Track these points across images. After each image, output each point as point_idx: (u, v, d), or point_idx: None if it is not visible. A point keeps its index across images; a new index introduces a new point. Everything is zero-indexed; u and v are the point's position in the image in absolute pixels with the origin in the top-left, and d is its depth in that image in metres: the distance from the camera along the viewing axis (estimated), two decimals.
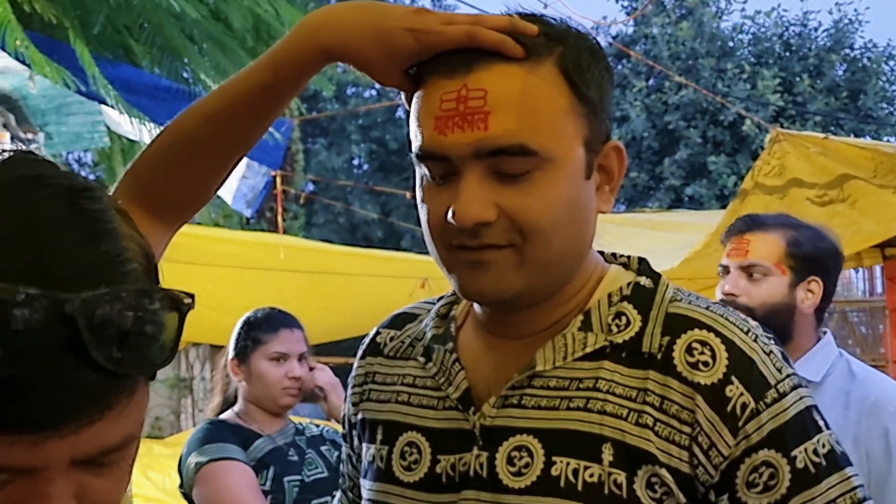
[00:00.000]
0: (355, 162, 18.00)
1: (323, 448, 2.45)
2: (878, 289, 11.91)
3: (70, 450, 0.60)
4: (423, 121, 0.89)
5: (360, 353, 1.13)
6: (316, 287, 6.15)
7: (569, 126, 0.89)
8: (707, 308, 0.93)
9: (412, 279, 6.05)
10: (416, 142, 0.91)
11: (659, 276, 0.97)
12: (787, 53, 16.74)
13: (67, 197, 0.62)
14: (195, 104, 1.03)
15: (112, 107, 3.92)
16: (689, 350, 0.89)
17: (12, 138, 3.93)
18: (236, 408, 2.44)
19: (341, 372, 1.95)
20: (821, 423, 0.90)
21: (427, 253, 0.96)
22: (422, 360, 1.03)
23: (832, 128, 14.42)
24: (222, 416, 2.44)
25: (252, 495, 2.19)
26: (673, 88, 15.59)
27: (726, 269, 2.06)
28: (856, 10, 22.56)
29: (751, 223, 2.09)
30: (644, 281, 0.96)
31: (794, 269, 2.00)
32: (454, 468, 0.94)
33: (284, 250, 5.64)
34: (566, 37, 0.90)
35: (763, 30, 17.03)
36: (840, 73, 16.54)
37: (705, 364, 0.88)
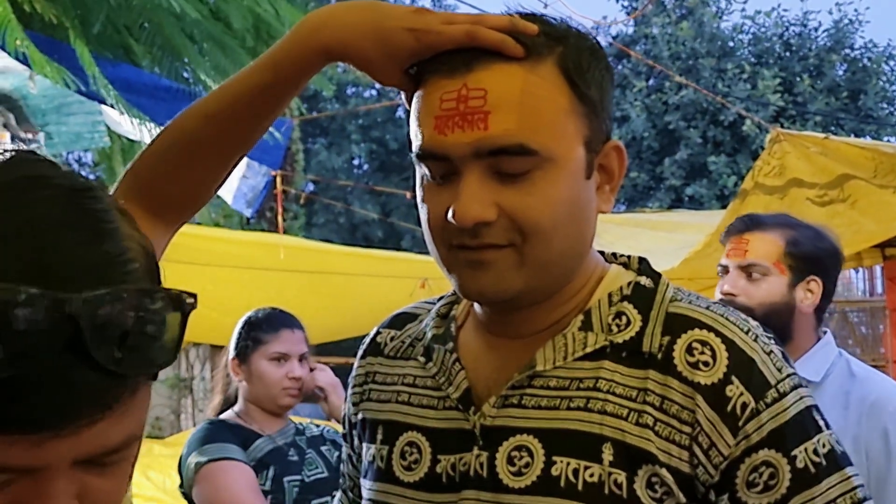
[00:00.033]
0: (355, 162, 18.00)
1: (323, 448, 2.45)
2: (879, 289, 11.92)
3: (71, 450, 0.60)
4: (423, 120, 0.90)
5: (360, 352, 1.13)
6: (316, 287, 6.15)
7: (569, 126, 0.89)
8: (707, 308, 0.93)
9: (412, 279, 6.05)
10: (416, 141, 0.91)
11: (659, 275, 0.97)
12: (788, 53, 16.74)
13: (69, 197, 0.62)
14: (195, 104, 1.03)
15: (112, 107, 3.92)
16: (690, 350, 0.89)
17: (12, 138, 3.93)
18: (236, 408, 2.44)
19: (341, 372, 1.95)
20: (821, 422, 0.90)
21: (427, 253, 0.96)
22: (422, 359, 1.03)
23: (832, 128, 14.42)
24: (222, 416, 2.44)
25: (252, 495, 2.19)
26: (673, 88, 15.60)
27: (725, 269, 2.06)
28: (856, 10, 22.59)
29: (750, 223, 2.09)
30: (644, 281, 0.96)
31: (793, 268, 2.00)
32: (454, 468, 0.94)
33: (284, 250, 5.64)
34: (566, 36, 0.90)
35: (763, 30, 17.03)
36: (840, 73, 16.54)
37: (705, 364, 0.88)
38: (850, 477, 0.89)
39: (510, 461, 0.91)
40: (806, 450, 0.87)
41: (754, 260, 2.01)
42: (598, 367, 0.91)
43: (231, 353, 2.45)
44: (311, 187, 16.43)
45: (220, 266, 5.54)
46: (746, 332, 0.90)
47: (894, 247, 4.94)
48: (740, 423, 0.86)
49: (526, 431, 0.91)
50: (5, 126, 3.97)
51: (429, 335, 1.03)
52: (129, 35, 4.59)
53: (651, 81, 16.26)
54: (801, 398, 0.89)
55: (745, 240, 2.04)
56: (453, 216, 0.87)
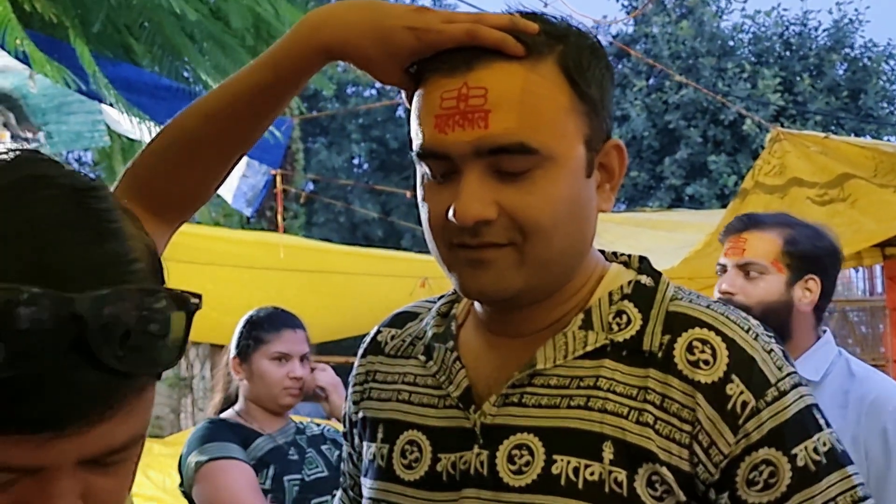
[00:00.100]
0: (355, 161, 18.00)
1: (323, 447, 2.45)
2: (879, 288, 11.92)
3: (76, 450, 0.60)
4: (423, 119, 0.90)
5: (360, 351, 1.13)
6: (316, 286, 6.14)
7: (569, 124, 0.89)
8: (708, 307, 0.93)
9: (412, 278, 6.05)
10: (416, 140, 0.91)
11: (660, 274, 0.97)
12: (788, 53, 16.73)
13: (73, 196, 0.62)
14: (195, 103, 1.03)
15: (112, 106, 3.93)
16: (690, 348, 0.89)
17: (12, 137, 3.93)
18: (237, 406, 2.44)
19: (342, 371, 1.95)
20: (821, 421, 0.90)
21: (427, 252, 0.96)
22: (422, 358, 1.03)
23: (832, 127, 14.42)
24: (223, 415, 2.44)
25: (252, 494, 2.19)
26: (673, 88, 15.59)
27: (724, 268, 2.06)
28: (856, 10, 22.60)
29: (748, 222, 2.09)
30: (645, 279, 0.96)
31: (791, 267, 2.00)
32: (455, 466, 0.94)
33: (284, 249, 5.64)
34: (567, 35, 0.90)
35: (763, 29, 17.03)
36: (840, 72, 16.54)
37: (706, 362, 0.88)
38: (850, 475, 0.89)
39: (510, 460, 0.91)
40: (806, 448, 0.87)
41: (752, 259, 2.01)
42: (599, 366, 0.91)
43: (232, 351, 2.45)
44: (311, 186, 16.42)
45: (220, 265, 5.54)
46: (747, 331, 0.90)
47: (894, 246, 4.94)
48: (740, 422, 0.86)
49: (526, 430, 0.91)
50: (5, 125, 3.97)
51: (429, 334, 1.03)
52: (129, 34, 4.59)
53: (651, 81, 16.25)
54: (801, 397, 0.89)
55: (742, 239, 2.05)
56: (454, 215, 0.87)
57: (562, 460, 0.89)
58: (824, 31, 16.86)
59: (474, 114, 0.86)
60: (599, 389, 0.90)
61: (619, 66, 16.00)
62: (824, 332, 2.06)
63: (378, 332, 1.12)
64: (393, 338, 1.09)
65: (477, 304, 1.00)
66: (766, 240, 2.02)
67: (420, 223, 0.95)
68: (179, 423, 10.99)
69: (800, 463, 0.86)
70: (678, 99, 15.48)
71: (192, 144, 1.01)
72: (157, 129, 1.08)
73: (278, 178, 6.19)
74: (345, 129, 16.96)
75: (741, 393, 0.87)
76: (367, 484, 1.03)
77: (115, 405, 0.60)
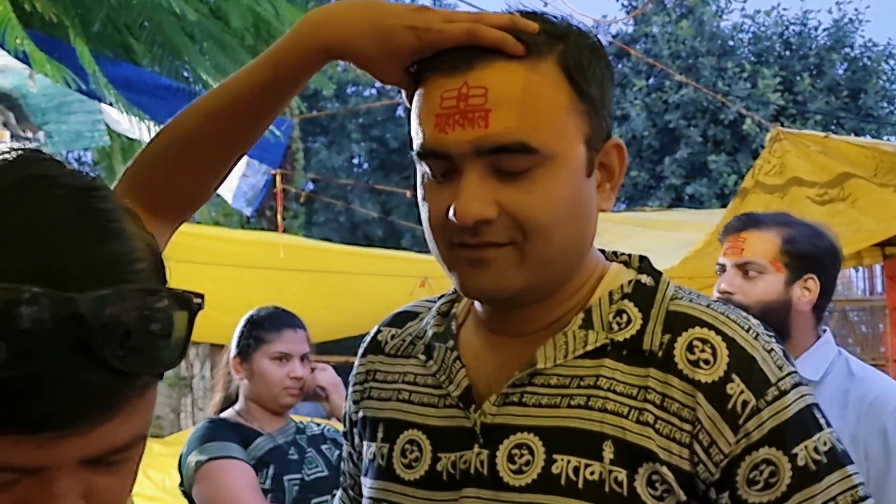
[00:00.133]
0: (355, 161, 18.00)
1: (323, 447, 2.45)
2: (879, 288, 11.92)
3: (78, 450, 0.60)
4: (423, 119, 0.90)
5: (360, 351, 1.13)
6: (316, 286, 6.14)
7: (570, 124, 0.89)
8: (708, 306, 0.93)
9: (412, 278, 6.05)
10: (416, 140, 0.91)
11: (660, 274, 0.97)
12: (788, 52, 16.74)
13: (74, 196, 0.62)
14: (195, 102, 1.02)
15: (112, 105, 3.93)
16: (690, 348, 0.89)
17: (12, 137, 3.93)
18: (237, 406, 2.44)
19: (342, 371, 1.95)
20: (822, 420, 0.90)
21: (427, 251, 0.96)
22: (423, 357, 1.03)
23: (832, 127, 14.43)
24: (223, 415, 2.44)
25: (252, 494, 2.19)
26: (673, 87, 15.59)
27: (723, 268, 2.07)
28: (856, 10, 22.58)
29: (747, 221, 2.09)
30: (645, 279, 0.96)
31: (789, 266, 2.00)
32: (455, 466, 0.94)
33: (284, 249, 5.64)
34: (567, 34, 0.90)
35: (763, 29, 17.03)
36: (840, 72, 16.54)
37: (706, 362, 0.88)
38: (850, 475, 0.89)
39: (511, 459, 0.91)
40: (806, 448, 0.87)
41: (750, 258, 2.01)
42: (599, 366, 0.91)
43: (233, 351, 2.45)
44: (311, 186, 16.42)
45: (220, 265, 5.54)
46: (747, 331, 0.90)
47: (894, 246, 4.94)
48: (741, 421, 0.86)
49: (526, 429, 0.91)
50: (5, 125, 3.97)
51: (429, 333, 1.03)
52: (129, 34, 4.59)
53: (651, 80, 16.25)
54: (801, 396, 0.89)
55: (741, 238, 2.05)
56: (454, 214, 0.87)
57: (562, 460, 0.89)
58: (824, 30, 16.86)
59: (474, 113, 0.86)
60: (600, 389, 0.90)
61: (619, 66, 16.00)
62: (824, 331, 2.06)
63: (378, 331, 1.12)
64: (393, 337, 1.09)
65: (477, 304, 1.00)
66: (764, 239, 2.02)
67: (420, 223, 0.95)
68: (179, 423, 10.99)
69: (800, 462, 0.86)
70: (678, 98, 15.48)
71: (192, 144, 1.01)
72: (157, 129, 1.08)
73: (278, 178, 6.19)
74: (345, 129, 16.96)
75: (741, 392, 0.87)
76: (367, 483, 1.03)
77: (116, 405, 0.60)
